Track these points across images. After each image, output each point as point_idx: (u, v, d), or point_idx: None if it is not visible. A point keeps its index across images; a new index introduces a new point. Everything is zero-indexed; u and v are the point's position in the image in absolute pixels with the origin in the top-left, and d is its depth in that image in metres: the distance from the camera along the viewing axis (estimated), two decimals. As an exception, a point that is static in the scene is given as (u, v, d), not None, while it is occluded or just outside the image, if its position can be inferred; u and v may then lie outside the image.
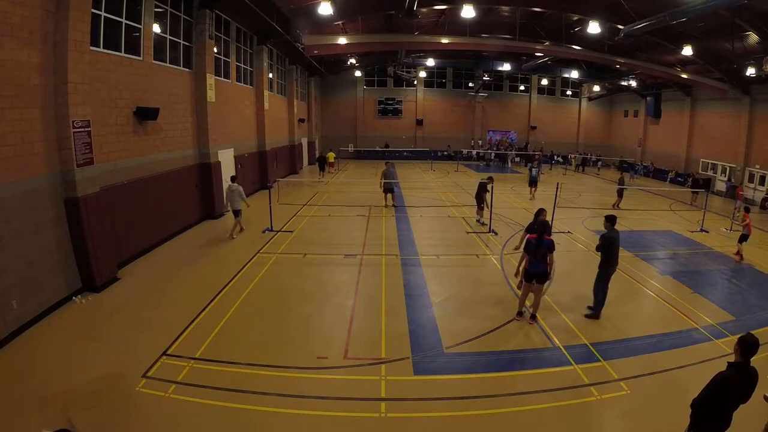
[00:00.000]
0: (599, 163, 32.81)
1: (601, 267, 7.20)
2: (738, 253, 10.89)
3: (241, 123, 16.96)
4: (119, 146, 9.20)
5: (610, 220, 7.19)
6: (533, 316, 7.09)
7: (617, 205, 17.24)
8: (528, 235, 6.95)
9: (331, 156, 26.52)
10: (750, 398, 3.56)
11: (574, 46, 20.66)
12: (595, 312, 7.27)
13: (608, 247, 7.07)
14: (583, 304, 7.86)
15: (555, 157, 34.03)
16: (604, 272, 7.18)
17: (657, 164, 28.61)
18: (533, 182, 18.75)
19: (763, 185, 20.65)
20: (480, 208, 13.83)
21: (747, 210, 11.40)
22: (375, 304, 7.69)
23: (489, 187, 13.27)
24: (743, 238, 10.88)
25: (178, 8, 11.73)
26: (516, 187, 21.87)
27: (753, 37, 16.32)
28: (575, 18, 18.35)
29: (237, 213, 11.79)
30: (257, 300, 7.82)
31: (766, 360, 5.59)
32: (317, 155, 27.02)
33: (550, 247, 6.77)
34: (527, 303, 7.23)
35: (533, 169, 18.94)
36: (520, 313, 7.16)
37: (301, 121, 27.42)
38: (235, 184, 11.73)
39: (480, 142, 36.05)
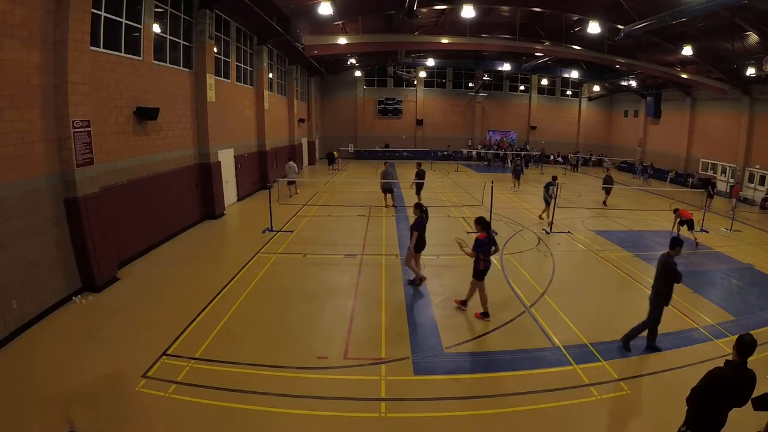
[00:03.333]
0: (609, 162, 32.01)
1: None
2: (694, 238, 12.23)
3: (241, 123, 16.95)
4: (119, 146, 9.19)
5: (680, 244, 6.19)
6: (465, 302, 7.37)
7: (605, 202, 17.95)
8: (479, 235, 6.94)
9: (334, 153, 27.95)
10: (748, 401, 3.56)
11: (574, 46, 20.67)
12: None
13: None
14: (582, 304, 7.87)
15: (546, 157, 33.56)
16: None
17: (657, 164, 28.50)
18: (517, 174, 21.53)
19: (763, 185, 20.65)
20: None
21: (675, 211, 12.53)
22: (375, 304, 7.68)
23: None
24: (690, 225, 12.09)
25: (178, 8, 11.72)
26: (515, 188, 21.84)
27: (753, 37, 16.33)
28: (575, 18, 18.38)
29: (292, 183, 17.19)
30: (257, 300, 7.81)
31: (765, 360, 5.60)
32: (327, 152, 29.23)
33: (496, 244, 7.20)
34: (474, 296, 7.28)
35: (517, 159, 21.09)
36: (486, 314, 7.09)
37: (301, 121, 27.44)
38: (292, 162, 17.71)
39: (479, 145, 35.88)
